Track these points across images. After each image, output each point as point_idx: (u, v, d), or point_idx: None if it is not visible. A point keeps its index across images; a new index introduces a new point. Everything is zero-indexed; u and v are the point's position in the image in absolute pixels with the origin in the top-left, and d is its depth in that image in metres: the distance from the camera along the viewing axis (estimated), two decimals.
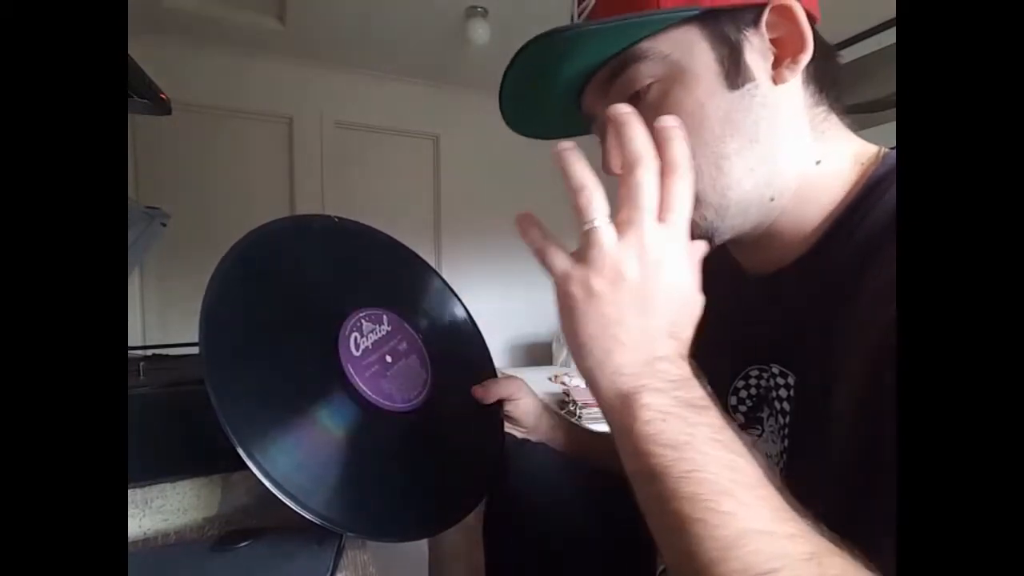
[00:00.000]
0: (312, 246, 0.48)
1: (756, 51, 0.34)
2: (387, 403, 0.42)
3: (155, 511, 0.46)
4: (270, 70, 2.39)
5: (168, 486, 0.46)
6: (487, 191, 2.95)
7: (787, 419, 0.37)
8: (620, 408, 0.28)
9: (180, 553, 0.41)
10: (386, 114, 2.69)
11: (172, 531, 0.45)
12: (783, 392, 0.37)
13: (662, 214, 0.30)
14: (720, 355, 0.42)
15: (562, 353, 2.70)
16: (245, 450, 0.34)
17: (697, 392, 0.29)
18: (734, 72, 0.33)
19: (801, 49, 0.34)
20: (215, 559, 0.38)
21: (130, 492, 0.45)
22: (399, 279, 0.52)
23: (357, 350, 0.43)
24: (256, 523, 0.45)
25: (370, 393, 0.41)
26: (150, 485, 0.46)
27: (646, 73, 0.34)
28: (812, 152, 0.36)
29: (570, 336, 0.30)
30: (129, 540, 0.44)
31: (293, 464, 0.36)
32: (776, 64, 0.34)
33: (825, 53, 0.36)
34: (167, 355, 0.91)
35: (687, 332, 0.31)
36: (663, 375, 0.28)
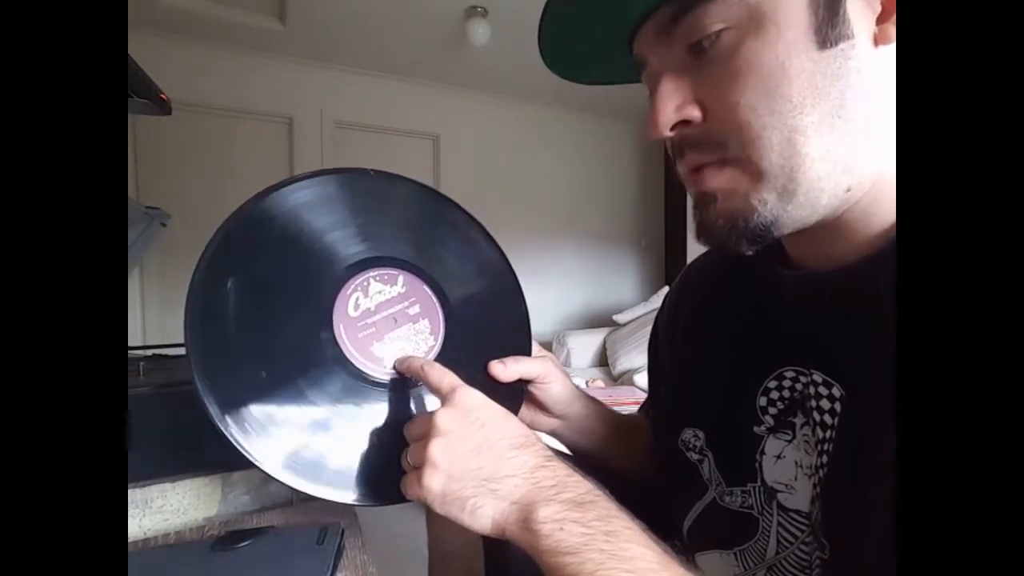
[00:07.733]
0: (333, 203, 0.42)
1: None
2: (372, 366, 0.39)
3: (155, 511, 0.46)
4: (270, 70, 2.39)
5: (168, 486, 0.46)
6: (487, 191, 2.94)
7: (828, 434, 0.33)
8: (522, 531, 0.30)
9: (180, 553, 0.41)
10: (386, 114, 2.69)
11: (172, 531, 0.45)
12: (825, 403, 0.33)
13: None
14: (749, 349, 0.40)
15: (563, 353, 2.70)
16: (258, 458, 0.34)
17: (581, 488, 0.31)
18: (828, 25, 0.27)
19: None
20: (215, 559, 0.38)
21: (130, 492, 0.45)
22: (433, 238, 0.46)
23: (356, 311, 0.40)
24: (256, 523, 0.45)
25: (357, 356, 0.39)
26: (150, 485, 0.46)
27: (716, 16, 0.28)
28: None
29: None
30: (129, 540, 0.44)
31: (294, 447, 0.36)
32: (882, 18, 0.27)
33: None
34: (167, 355, 0.92)
35: (530, 439, 0.34)
36: (544, 483, 0.31)
